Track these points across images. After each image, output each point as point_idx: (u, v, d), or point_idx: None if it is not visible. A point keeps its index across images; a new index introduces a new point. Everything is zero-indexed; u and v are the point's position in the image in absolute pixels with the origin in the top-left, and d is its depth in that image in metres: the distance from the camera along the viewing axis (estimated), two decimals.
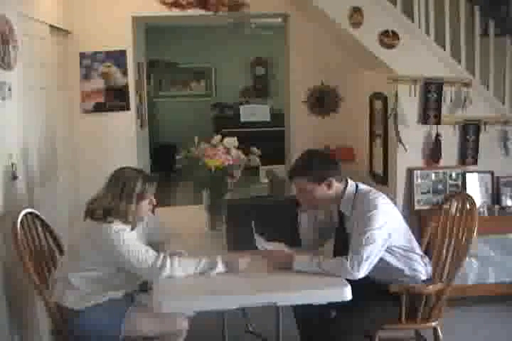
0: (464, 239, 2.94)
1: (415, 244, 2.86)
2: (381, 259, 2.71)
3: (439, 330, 2.91)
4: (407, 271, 2.80)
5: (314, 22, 4.84)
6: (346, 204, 2.81)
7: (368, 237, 2.62)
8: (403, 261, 2.79)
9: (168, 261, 2.59)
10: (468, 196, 3.10)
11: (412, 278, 2.82)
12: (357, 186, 2.83)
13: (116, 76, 4.83)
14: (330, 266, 2.63)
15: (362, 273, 2.59)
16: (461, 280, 4.01)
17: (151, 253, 2.63)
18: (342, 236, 2.86)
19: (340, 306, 2.60)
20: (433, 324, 2.89)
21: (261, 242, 2.87)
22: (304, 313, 2.93)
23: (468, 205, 3.03)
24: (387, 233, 2.66)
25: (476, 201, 4.19)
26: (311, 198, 2.80)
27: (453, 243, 2.99)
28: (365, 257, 2.59)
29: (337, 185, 2.79)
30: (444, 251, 3.01)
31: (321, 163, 2.80)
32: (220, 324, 3.45)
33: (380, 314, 2.80)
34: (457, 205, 3.10)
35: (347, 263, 2.59)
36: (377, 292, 2.77)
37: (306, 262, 2.66)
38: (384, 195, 2.80)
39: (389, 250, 2.74)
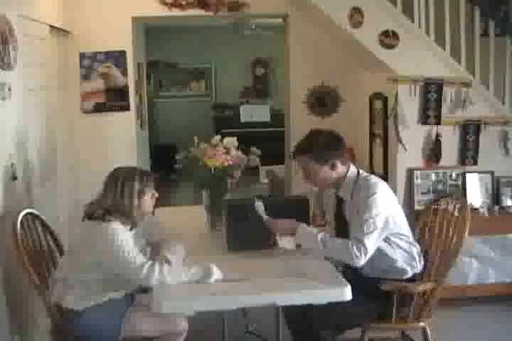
0: (454, 239, 2.94)
1: (411, 236, 2.86)
2: (387, 249, 2.77)
3: (428, 330, 2.90)
4: (399, 263, 2.80)
5: (314, 22, 4.84)
6: (346, 189, 2.82)
7: (369, 225, 2.64)
8: (398, 251, 2.79)
9: (157, 268, 2.54)
10: (459, 196, 3.11)
11: (402, 270, 2.81)
12: (358, 172, 2.84)
13: (116, 76, 4.83)
14: (335, 246, 2.65)
15: (364, 260, 2.63)
16: (461, 280, 4.01)
17: (140, 259, 2.60)
18: (341, 221, 2.88)
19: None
20: (422, 324, 2.88)
21: (259, 204, 2.87)
22: (291, 313, 2.91)
23: (459, 206, 3.03)
24: (385, 218, 2.69)
25: (475, 201, 4.22)
26: (314, 178, 2.82)
27: (443, 243, 2.98)
28: (367, 245, 2.63)
29: (340, 168, 2.80)
30: (437, 250, 3.00)
31: (325, 144, 2.79)
32: (220, 324, 3.45)
33: (359, 311, 2.78)
34: (447, 206, 3.10)
35: (352, 250, 2.61)
36: (366, 290, 2.72)
37: (310, 233, 2.68)
38: (384, 183, 2.81)
39: (386, 239, 2.76)
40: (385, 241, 2.76)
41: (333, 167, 2.78)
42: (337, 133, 2.88)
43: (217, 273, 2.56)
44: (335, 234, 2.92)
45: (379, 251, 2.74)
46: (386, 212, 2.69)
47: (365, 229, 2.64)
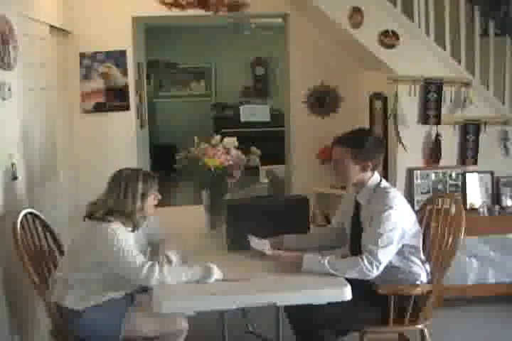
0: (450, 239, 2.92)
1: (420, 248, 2.85)
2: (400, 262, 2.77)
3: (426, 332, 2.89)
4: (403, 271, 2.80)
5: (314, 22, 4.84)
6: (364, 195, 2.82)
7: (384, 239, 2.64)
8: (404, 261, 2.79)
9: (157, 268, 2.55)
10: (456, 196, 3.09)
11: (406, 280, 2.81)
12: (380, 180, 2.83)
13: (117, 76, 4.84)
14: (343, 265, 2.63)
15: (376, 273, 2.63)
16: (461, 280, 4.01)
17: (140, 259, 2.60)
18: (356, 225, 2.87)
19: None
20: (420, 326, 2.86)
21: (254, 240, 2.84)
22: (293, 313, 2.91)
23: (455, 206, 3.02)
24: (400, 233, 2.68)
25: (475, 201, 4.21)
26: (341, 170, 2.81)
27: (440, 243, 2.96)
28: (380, 259, 2.62)
29: (368, 173, 2.80)
30: (433, 251, 2.99)
31: (372, 145, 2.78)
32: (220, 324, 3.45)
33: (360, 314, 2.78)
34: (442, 205, 3.09)
35: (362, 264, 2.60)
36: (363, 292, 2.69)
37: (316, 262, 2.65)
38: (401, 195, 2.81)
39: (399, 252, 2.75)
40: (398, 254, 2.76)
41: (363, 169, 2.78)
42: (383, 140, 2.89)
43: (217, 273, 2.56)
44: (349, 237, 2.93)
45: (390, 264, 2.75)
46: (401, 227, 2.69)
47: (379, 242, 2.63)
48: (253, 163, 3.45)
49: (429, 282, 2.86)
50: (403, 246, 2.75)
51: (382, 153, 2.87)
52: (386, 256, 2.65)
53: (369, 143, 2.78)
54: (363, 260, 2.61)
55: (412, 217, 2.81)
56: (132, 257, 2.57)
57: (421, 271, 2.83)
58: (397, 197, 2.74)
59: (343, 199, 3.08)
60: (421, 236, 2.86)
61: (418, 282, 2.81)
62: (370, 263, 2.61)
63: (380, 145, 2.87)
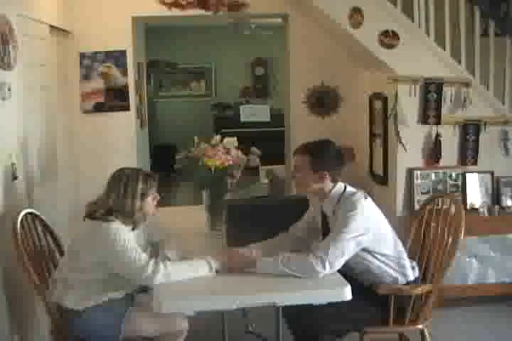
0: (450, 239, 2.92)
1: (402, 251, 2.85)
2: (370, 263, 2.77)
3: (426, 332, 2.89)
4: (394, 274, 2.81)
5: (314, 22, 4.84)
6: (329, 206, 2.80)
7: (340, 239, 2.62)
8: (391, 266, 2.80)
9: (161, 266, 2.56)
10: (456, 197, 3.10)
11: (397, 279, 2.82)
12: (345, 188, 2.81)
13: (116, 76, 4.83)
14: (295, 263, 2.60)
15: (325, 273, 2.59)
16: (461, 280, 4.01)
17: (144, 257, 2.60)
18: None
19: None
20: (420, 326, 2.87)
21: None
22: (290, 313, 2.91)
23: (455, 206, 3.03)
24: (359, 236, 2.65)
25: (475, 201, 4.22)
26: (298, 178, 2.82)
27: (439, 243, 2.97)
28: (331, 259, 2.58)
29: (327, 183, 2.79)
30: (433, 251, 2.99)
31: (332, 156, 2.80)
32: (220, 324, 3.45)
33: (360, 314, 2.79)
34: (442, 206, 3.09)
35: (314, 264, 2.57)
36: (363, 292, 2.72)
37: (271, 261, 2.63)
38: (369, 200, 2.78)
39: (377, 257, 2.77)
40: (376, 259, 2.77)
41: (321, 178, 2.77)
42: (343, 154, 2.88)
43: (216, 264, 2.62)
44: None
45: (367, 266, 2.77)
46: (361, 230, 2.66)
47: (335, 241, 2.61)
48: (253, 163, 3.46)
49: (416, 279, 2.87)
50: (379, 255, 2.76)
51: (341, 165, 2.84)
52: (339, 257, 2.61)
53: (327, 153, 2.79)
54: (316, 259, 2.58)
55: (380, 223, 2.79)
56: (136, 256, 2.58)
57: (409, 272, 2.84)
58: (359, 201, 2.71)
59: (309, 210, 3.04)
60: (396, 241, 2.84)
61: (402, 280, 2.82)
62: (324, 261, 2.57)
63: (339, 158, 2.84)
